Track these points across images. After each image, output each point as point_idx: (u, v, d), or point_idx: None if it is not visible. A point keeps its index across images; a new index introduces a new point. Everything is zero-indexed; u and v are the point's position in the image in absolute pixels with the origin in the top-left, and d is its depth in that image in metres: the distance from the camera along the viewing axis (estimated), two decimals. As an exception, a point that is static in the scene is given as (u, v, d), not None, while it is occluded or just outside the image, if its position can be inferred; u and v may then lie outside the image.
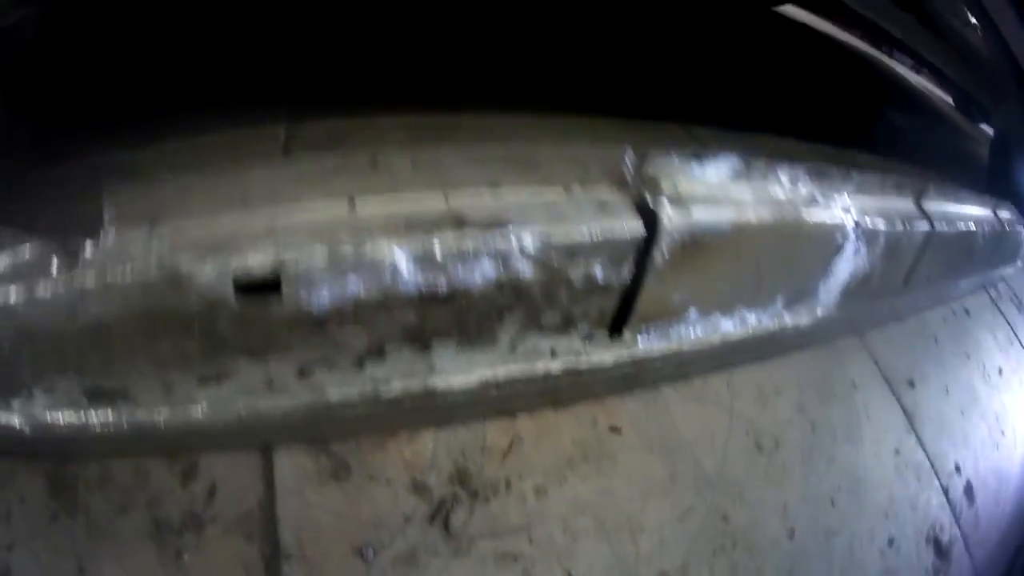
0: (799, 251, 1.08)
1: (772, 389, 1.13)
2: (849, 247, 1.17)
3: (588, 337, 0.97)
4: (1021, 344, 2.10)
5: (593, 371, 0.97)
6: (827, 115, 2.50)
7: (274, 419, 0.78)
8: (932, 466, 1.33)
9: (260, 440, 0.79)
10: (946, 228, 1.54)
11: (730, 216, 0.91)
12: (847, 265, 1.20)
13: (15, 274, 0.66)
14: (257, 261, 0.65)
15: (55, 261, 0.70)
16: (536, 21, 2.14)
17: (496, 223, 0.74)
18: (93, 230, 0.69)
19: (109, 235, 0.65)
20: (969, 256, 1.93)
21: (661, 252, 0.87)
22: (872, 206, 1.26)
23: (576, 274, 0.86)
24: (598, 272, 0.88)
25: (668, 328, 1.01)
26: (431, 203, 0.74)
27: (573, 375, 0.93)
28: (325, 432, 0.81)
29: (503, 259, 0.75)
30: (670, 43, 2.40)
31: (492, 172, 0.79)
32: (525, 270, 0.78)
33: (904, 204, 1.43)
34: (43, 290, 0.65)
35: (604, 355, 0.98)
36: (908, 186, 1.47)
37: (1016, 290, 2.33)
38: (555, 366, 0.93)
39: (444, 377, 0.86)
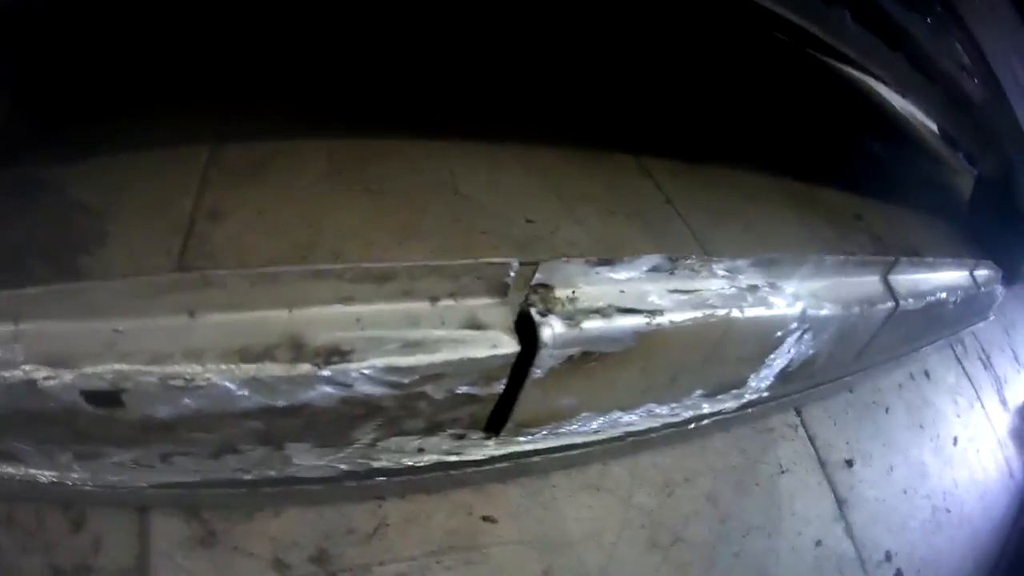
0: (726, 350, 0.98)
1: (681, 478, 1.05)
2: (790, 339, 1.08)
3: (460, 436, 0.88)
4: (983, 407, 2.02)
5: (464, 466, 0.89)
6: (803, 141, 2.39)
7: (145, 491, 0.78)
8: (859, 556, 1.25)
9: (137, 503, 0.80)
10: (912, 304, 1.45)
11: (631, 325, 0.82)
12: (787, 354, 1.11)
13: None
14: (99, 378, 0.64)
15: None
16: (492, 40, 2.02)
17: (335, 353, 0.68)
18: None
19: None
20: (937, 322, 1.84)
21: (541, 369, 0.80)
22: (829, 290, 1.17)
23: (436, 392, 0.78)
24: (463, 389, 0.79)
25: (556, 426, 0.93)
26: (271, 324, 0.68)
27: (443, 467, 0.86)
28: (195, 502, 0.80)
29: (345, 385, 0.69)
30: (649, 64, 2.28)
31: (346, 286, 0.71)
32: (374, 391, 0.71)
33: (868, 283, 1.33)
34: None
35: (477, 453, 0.89)
36: (876, 263, 1.38)
37: (984, 345, 2.25)
38: (424, 460, 0.86)
39: (302, 468, 0.81)
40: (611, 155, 1.71)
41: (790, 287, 1.07)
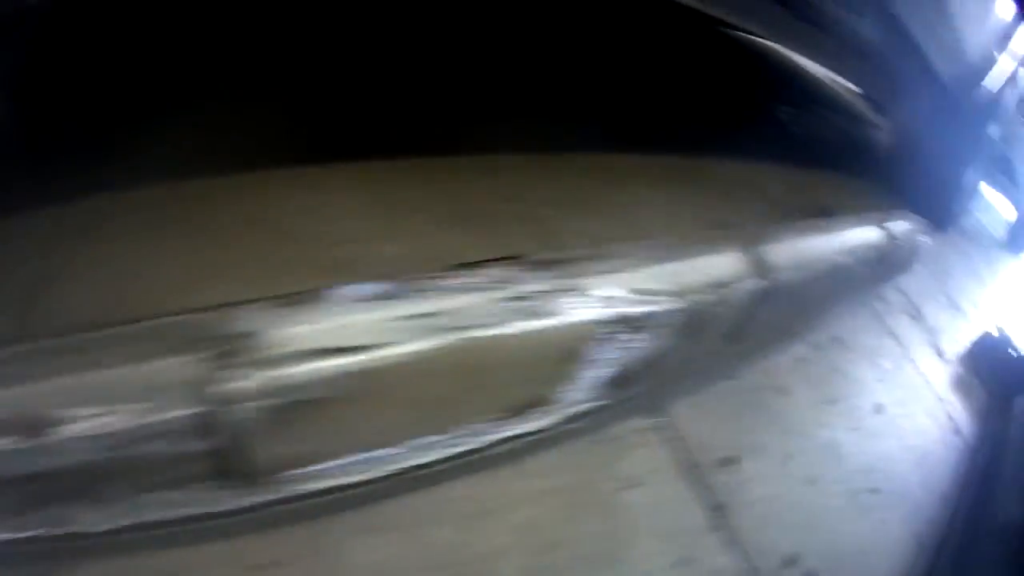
0: (498, 375, 0.84)
1: (488, 509, 0.90)
2: (600, 346, 0.94)
3: (209, 489, 0.79)
4: (914, 364, 1.87)
5: (231, 515, 0.80)
6: (691, 115, 2.27)
7: None
8: (750, 565, 1.09)
9: None
10: (794, 276, 1.32)
11: (344, 365, 0.70)
12: (603, 363, 0.97)
13: None
14: None
15: None
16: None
17: (51, 423, 0.65)
18: None
19: None
20: (841, 287, 1.71)
21: (242, 425, 0.69)
22: (667, 279, 1.03)
23: (150, 452, 0.72)
24: (177, 448, 0.72)
25: (314, 469, 0.79)
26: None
27: (209, 518, 0.77)
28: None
29: (58, 453, 0.67)
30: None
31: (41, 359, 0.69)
32: (93, 457, 0.68)
33: (725, 261, 1.20)
34: None
35: (236, 502, 0.80)
36: (739, 236, 1.24)
37: (912, 297, 2.11)
38: (187, 512, 0.78)
39: (80, 525, 0.76)
40: (453, 158, 1.59)
41: (598, 287, 0.93)
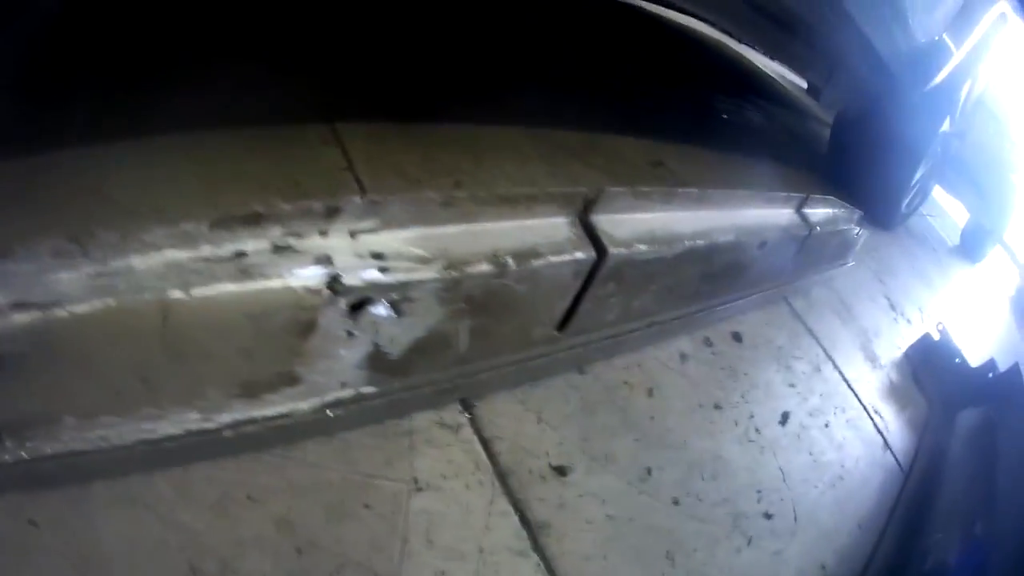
0: (195, 343, 0.63)
1: (244, 496, 0.69)
2: (330, 316, 0.71)
3: None
4: (836, 369, 1.64)
5: None
6: (596, 93, 2.06)
7: None
8: None
9: None
10: (644, 250, 1.08)
11: (27, 322, 0.53)
12: (352, 339, 0.74)
13: None
14: None
15: None
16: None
17: None
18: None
19: None
20: (740, 272, 1.48)
21: None
22: (418, 246, 0.80)
23: None
24: None
25: (57, 431, 0.59)
26: None
27: None
28: None
29: None
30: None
31: None
32: None
33: (540, 228, 0.96)
34: None
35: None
36: (564, 199, 1.01)
37: (844, 295, 1.88)
38: None
39: None
40: (297, 126, 1.38)
41: (324, 245, 0.71)
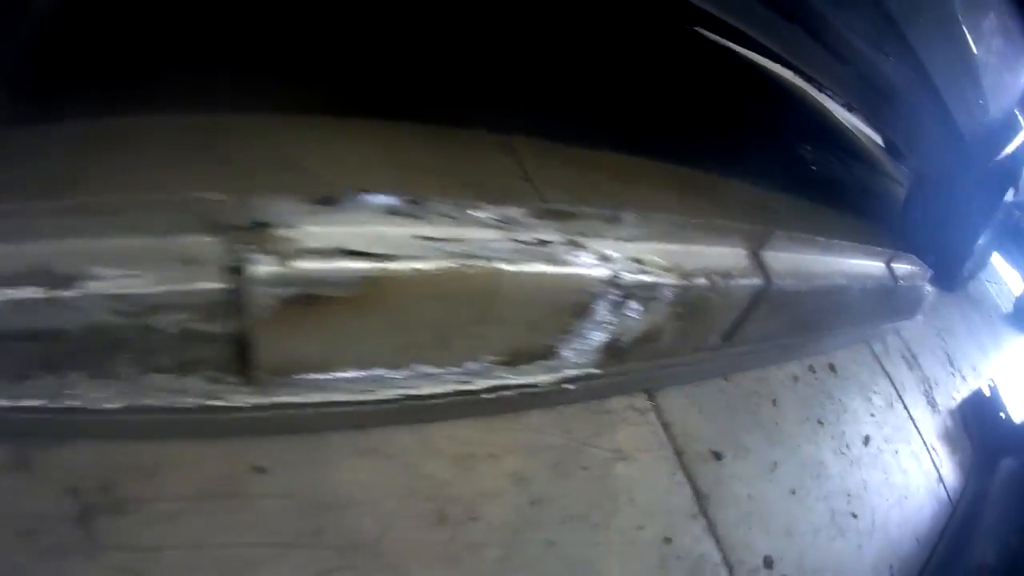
0: (503, 310, 0.86)
1: (484, 452, 0.91)
2: (602, 304, 0.96)
3: (215, 380, 0.81)
4: (905, 408, 1.88)
5: (231, 412, 0.82)
6: (713, 135, 2.32)
7: None
8: (725, 560, 1.09)
9: None
10: (794, 285, 1.34)
11: (356, 269, 0.72)
12: (605, 324, 0.99)
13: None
14: None
15: None
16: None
17: (70, 280, 0.67)
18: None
19: None
20: (838, 312, 1.72)
21: (258, 309, 0.71)
22: (667, 256, 1.06)
23: (164, 326, 0.74)
24: (190, 326, 0.74)
25: (320, 378, 0.81)
26: (19, 255, 0.68)
27: (208, 412, 0.79)
28: (11, 427, 0.77)
29: (77, 312, 0.68)
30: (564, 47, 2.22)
31: (78, 221, 0.70)
32: (108, 319, 0.70)
33: (730, 255, 1.22)
34: None
35: (238, 399, 0.81)
36: (740, 232, 1.27)
37: (911, 345, 2.12)
38: (187, 402, 0.80)
39: (87, 400, 0.77)
40: (478, 133, 1.63)
41: (601, 246, 0.96)
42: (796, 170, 2.54)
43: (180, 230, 0.75)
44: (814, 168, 2.65)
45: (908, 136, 2.63)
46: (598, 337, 1.00)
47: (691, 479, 1.13)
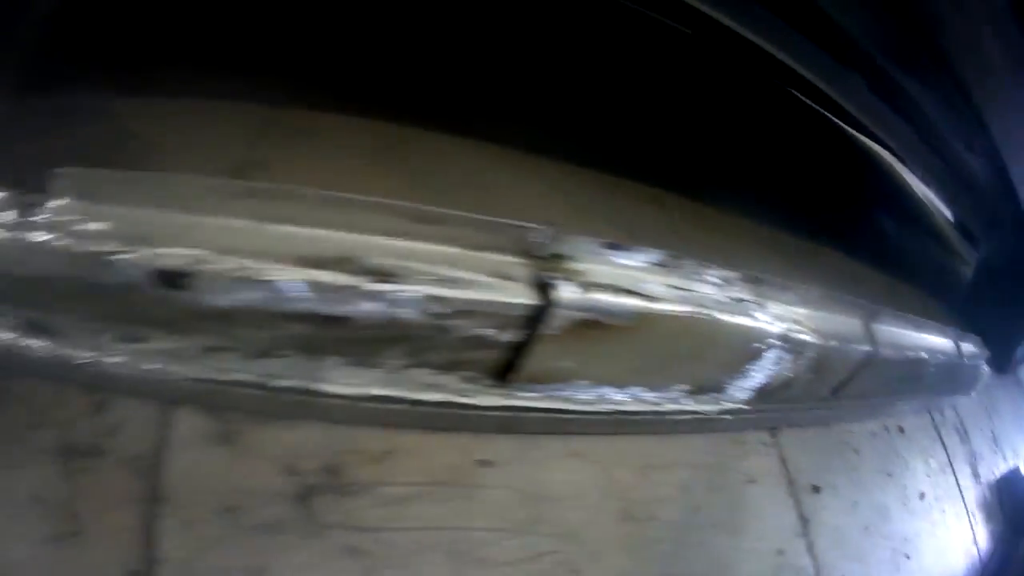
0: (710, 350, 1.13)
1: (659, 464, 1.18)
2: (769, 354, 1.23)
3: (471, 380, 0.99)
4: (954, 473, 2.13)
5: (470, 408, 0.99)
6: (815, 206, 2.57)
7: (177, 383, 0.85)
8: (817, 573, 1.36)
9: (165, 395, 0.85)
10: (891, 354, 1.60)
11: (632, 305, 0.96)
12: (765, 369, 1.26)
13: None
14: (171, 258, 0.73)
15: (13, 212, 0.78)
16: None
17: (382, 274, 0.80)
18: (50, 185, 0.76)
19: (59, 203, 0.74)
20: (915, 381, 1.98)
21: (551, 326, 0.92)
22: (810, 320, 1.33)
23: (460, 329, 0.90)
24: (483, 331, 0.91)
25: (555, 388, 1.06)
26: (330, 241, 0.80)
27: (450, 407, 0.96)
28: (220, 401, 0.86)
29: (387, 304, 0.80)
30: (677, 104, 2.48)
31: (400, 222, 0.84)
32: (410, 316, 0.83)
33: (850, 323, 1.49)
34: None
35: (483, 399, 1.00)
36: (862, 307, 1.53)
37: (964, 420, 2.37)
38: (434, 397, 0.96)
39: (328, 384, 0.90)
40: (631, 183, 1.89)
41: (774, 307, 1.23)
42: (880, 243, 2.78)
43: (494, 248, 0.93)
44: (894, 241, 2.88)
45: (982, 224, 2.86)
46: (758, 379, 1.27)
47: (798, 505, 1.40)
